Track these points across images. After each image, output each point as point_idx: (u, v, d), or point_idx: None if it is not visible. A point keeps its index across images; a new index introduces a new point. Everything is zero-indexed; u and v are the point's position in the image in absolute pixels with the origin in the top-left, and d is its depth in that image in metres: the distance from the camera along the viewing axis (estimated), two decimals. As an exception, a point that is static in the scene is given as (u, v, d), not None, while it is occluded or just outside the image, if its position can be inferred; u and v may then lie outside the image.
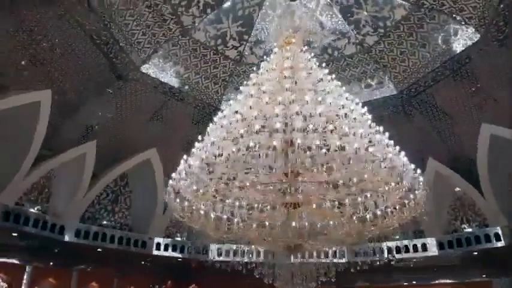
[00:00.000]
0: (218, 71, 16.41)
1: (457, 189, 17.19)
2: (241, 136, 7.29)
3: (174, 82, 16.32)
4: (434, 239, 17.10)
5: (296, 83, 8.78)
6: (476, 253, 16.49)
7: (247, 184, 7.79)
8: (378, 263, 16.18)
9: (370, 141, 7.47)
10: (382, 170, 7.45)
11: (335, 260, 16.66)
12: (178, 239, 18.49)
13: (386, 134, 8.31)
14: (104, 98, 15.64)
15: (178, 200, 8.03)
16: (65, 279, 17.02)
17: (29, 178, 14.46)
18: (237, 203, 8.16)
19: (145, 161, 17.09)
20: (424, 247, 17.23)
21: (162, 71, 15.85)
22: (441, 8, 13.46)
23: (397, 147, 8.30)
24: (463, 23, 13.46)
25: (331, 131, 7.25)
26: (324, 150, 6.94)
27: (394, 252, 17.64)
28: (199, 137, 7.89)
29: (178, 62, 15.89)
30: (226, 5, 14.64)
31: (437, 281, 18.69)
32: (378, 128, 8.29)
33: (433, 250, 17.01)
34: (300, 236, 8.32)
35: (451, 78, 15.19)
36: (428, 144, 17.24)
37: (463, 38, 13.93)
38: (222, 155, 7.13)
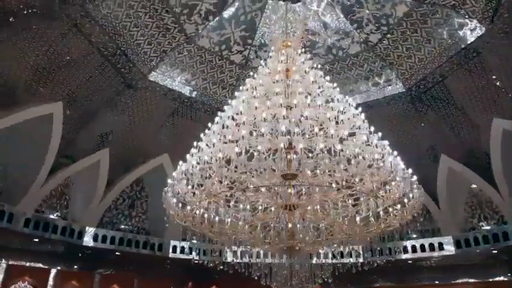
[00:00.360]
0: (225, 76, 16.70)
1: (473, 185, 16.77)
2: (230, 141, 7.54)
3: (182, 89, 16.72)
4: (451, 237, 16.70)
5: (289, 86, 8.94)
6: (495, 251, 16.02)
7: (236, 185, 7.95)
8: (388, 261, 16.10)
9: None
10: (367, 170, 7.44)
11: (351, 260, 16.69)
12: (194, 241, 18.79)
13: (379, 134, 8.24)
14: (116, 107, 16.24)
15: (180, 205, 8.31)
16: (88, 281, 17.66)
17: (47, 186, 15.20)
18: (241, 206, 8.40)
19: (158, 166, 17.59)
20: (441, 246, 16.86)
21: (170, 78, 16.30)
22: (443, 3, 13.19)
23: (387, 148, 8.15)
24: (466, 16, 13.16)
25: (316, 134, 7.33)
26: (310, 154, 7.07)
27: (410, 251, 17.40)
28: (195, 143, 8.14)
29: (185, 69, 16.29)
30: (228, 11, 14.88)
31: (459, 280, 18.21)
32: (370, 128, 8.24)
33: (450, 249, 16.61)
34: (297, 237, 8.48)
35: (460, 72, 14.83)
36: (441, 141, 16.94)
37: (468, 32, 13.60)
38: (212, 159, 7.38)
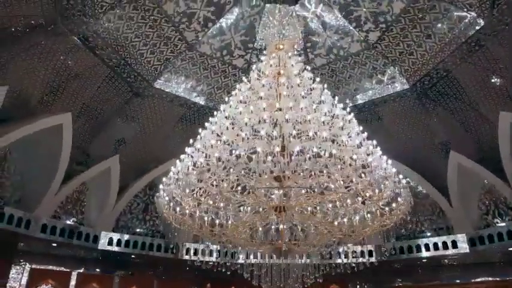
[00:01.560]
0: (229, 80, 16.95)
1: (486, 181, 16.27)
2: (212, 146, 7.79)
3: (188, 95, 17.11)
4: (464, 235, 16.27)
5: (276, 89, 9.12)
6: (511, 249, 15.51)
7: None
8: (402, 260, 15.75)
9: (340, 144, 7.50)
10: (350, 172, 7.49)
11: (363, 260, 16.58)
12: (208, 243, 19.10)
13: (365, 134, 8.23)
14: (126, 115, 16.89)
15: (177, 209, 8.63)
16: (108, 284, 18.28)
17: (62, 192, 15.89)
18: (242, 208, 8.63)
19: (168, 171, 17.96)
20: (455, 244, 16.43)
21: (175, 85, 16.72)
22: (439, -3, 12.99)
23: (371, 148, 8.09)
24: (465, 9, 12.87)
25: (295, 137, 7.46)
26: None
27: (424, 249, 17.09)
28: (186, 148, 8.47)
29: (189, 75, 16.67)
30: (227, 17, 15.12)
31: (478, 279, 17.71)
32: (357, 129, 8.24)
33: (464, 247, 16.16)
34: (287, 239, 8.65)
35: (464, 66, 14.50)
36: (452, 136, 16.59)
37: (468, 25, 13.28)
38: (196, 163, 7.67)
